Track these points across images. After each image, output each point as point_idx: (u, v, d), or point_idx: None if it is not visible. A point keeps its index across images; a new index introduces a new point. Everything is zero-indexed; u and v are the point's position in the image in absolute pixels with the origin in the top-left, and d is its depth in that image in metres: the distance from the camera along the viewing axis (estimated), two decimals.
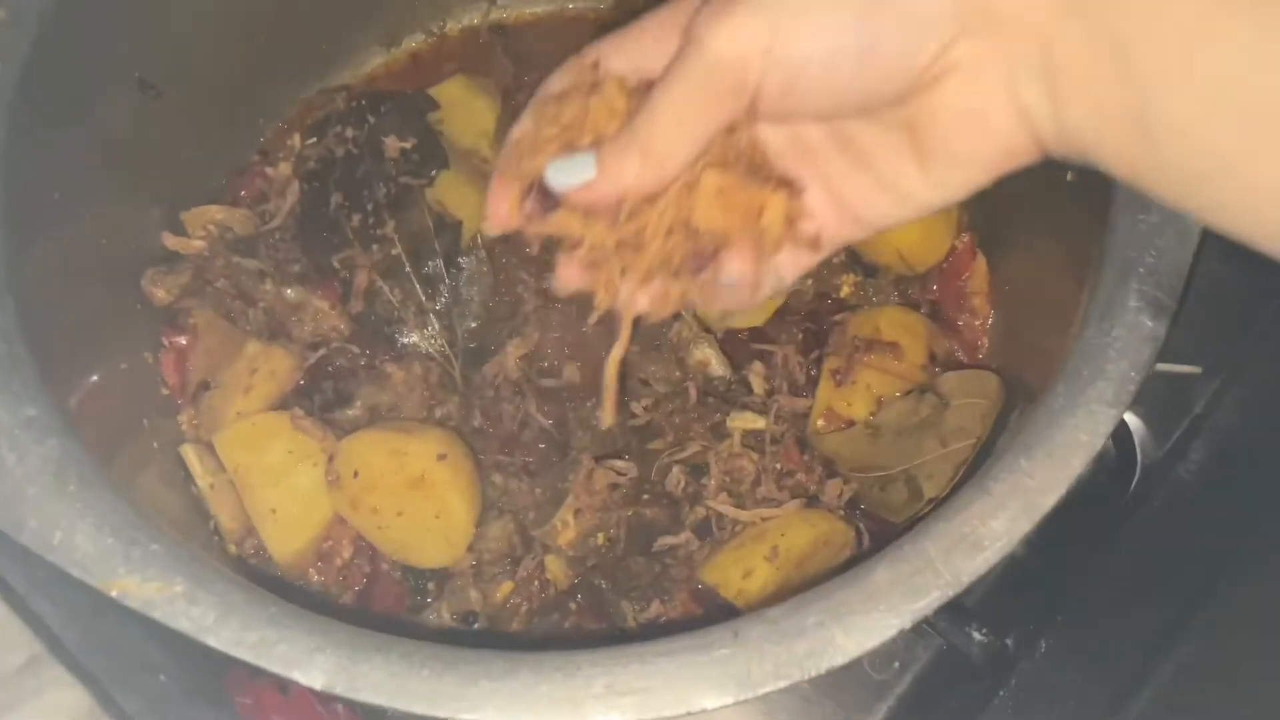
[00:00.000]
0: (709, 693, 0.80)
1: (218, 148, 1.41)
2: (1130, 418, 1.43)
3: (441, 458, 1.18)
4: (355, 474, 1.19)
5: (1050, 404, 0.91)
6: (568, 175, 0.74)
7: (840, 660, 0.81)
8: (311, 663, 0.82)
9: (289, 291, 1.31)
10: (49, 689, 1.21)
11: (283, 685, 1.22)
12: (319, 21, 1.47)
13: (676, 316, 1.32)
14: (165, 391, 1.30)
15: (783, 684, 0.81)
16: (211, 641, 0.82)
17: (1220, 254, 1.38)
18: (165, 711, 1.19)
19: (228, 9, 1.34)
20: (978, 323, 1.37)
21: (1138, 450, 1.44)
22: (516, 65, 1.56)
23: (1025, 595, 1.37)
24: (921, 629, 1.13)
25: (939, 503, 1.20)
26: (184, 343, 1.32)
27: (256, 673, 0.82)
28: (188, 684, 1.23)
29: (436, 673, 0.81)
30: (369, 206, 1.31)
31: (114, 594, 0.83)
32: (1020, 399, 1.19)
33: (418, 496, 1.18)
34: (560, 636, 1.21)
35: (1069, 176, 1.14)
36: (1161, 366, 1.33)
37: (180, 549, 0.86)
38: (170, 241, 1.34)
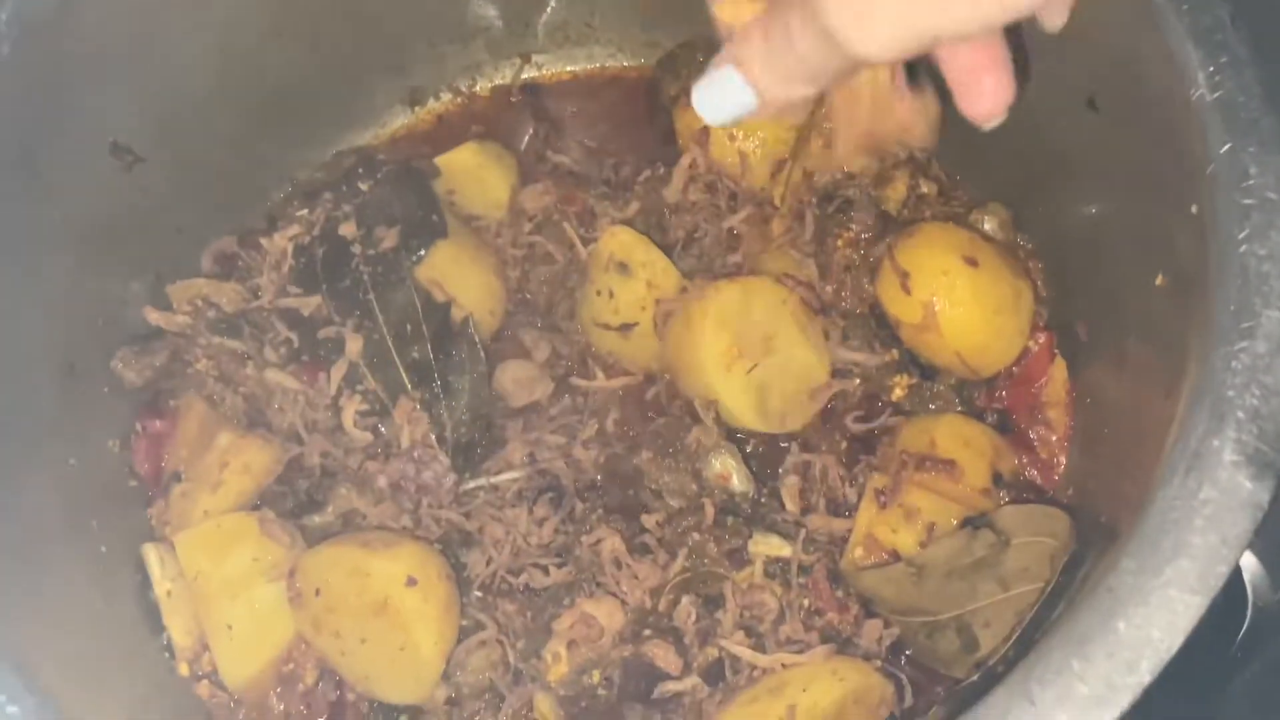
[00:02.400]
0: None
1: (213, 214, 1.30)
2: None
3: (410, 582, 1.03)
4: (316, 592, 1.05)
5: (1117, 585, 0.71)
6: None
7: None
8: None
9: (270, 374, 1.19)
10: None
11: None
12: (335, 80, 1.37)
13: (696, 420, 1.15)
14: (133, 483, 1.19)
15: None
16: None
17: None
18: None
19: (229, 64, 1.23)
20: (1055, 437, 1.17)
21: (1249, 592, 1.22)
22: (551, 129, 1.42)
23: None
24: None
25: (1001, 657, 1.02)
26: (159, 426, 1.21)
27: None
28: None
29: None
30: (354, 285, 1.18)
31: None
32: (1099, 540, 0.99)
33: (381, 624, 1.03)
34: None
35: (1158, 280, 0.95)
36: None
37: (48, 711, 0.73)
38: (154, 316, 1.23)
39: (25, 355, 1.05)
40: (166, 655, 1.11)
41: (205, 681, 1.11)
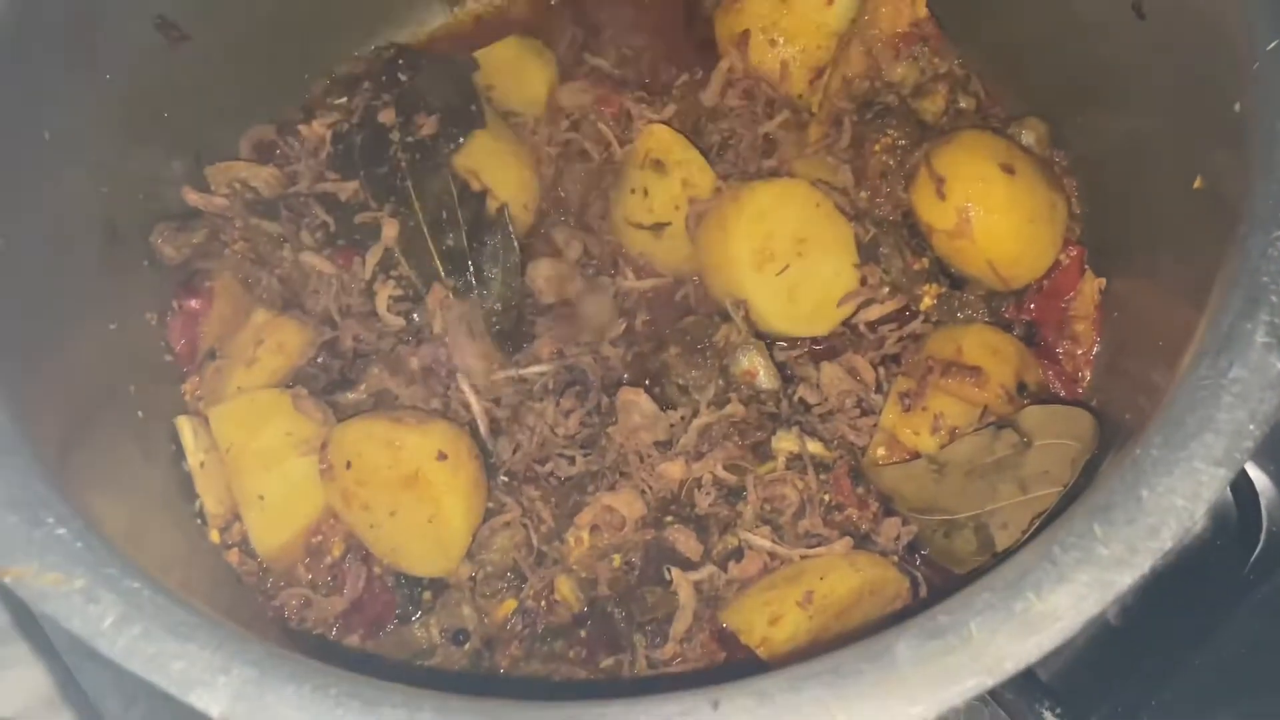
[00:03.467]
0: None
1: (254, 100, 1.31)
2: (1258, 475, 1.22)
3: (441, 456, 1.05)
4: (348, 465, 1.07)
5: (1141, 457, 0.73)
6: None
7: None
8: (213, 685, 0.69)
9: (306, 257, 1.20)
10: (12, 666, 1.13)
11: None
12: None
13: (725, 320, 1.17)
14: (168, 358, 1.20)
15: None
16: (104, 648, 0.71)
17: None
18: (128, 696, 1.09)
19: None
20: (1080, 351, 1.18)
21: (1264, 515, 1.23)
22: (589, 33, 1.42)
23: (1114, 674, 1.18)
24: (984, 697, 0.96)
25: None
26: (196, 306, 1.22)
27: None
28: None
29: (352, 713, 0.68)
30: (391, 171, 1.19)
31: (7, 580, 0.73)
32: (1121, 442, 1.00)
33: (411, 496, 1.05)
34: (508, 681, 1.07)
35: (1196, 183, 0.95)
36: None
37: (89, 535, 0.75)
38: (191, 197, 1.24)
39: (71, 217, 1.06)
40: (199, 522, 1.13)
41: (235, 549, 1.13)
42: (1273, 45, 0.84)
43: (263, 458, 1.12)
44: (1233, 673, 1.16)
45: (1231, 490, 1.23)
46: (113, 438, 1.05)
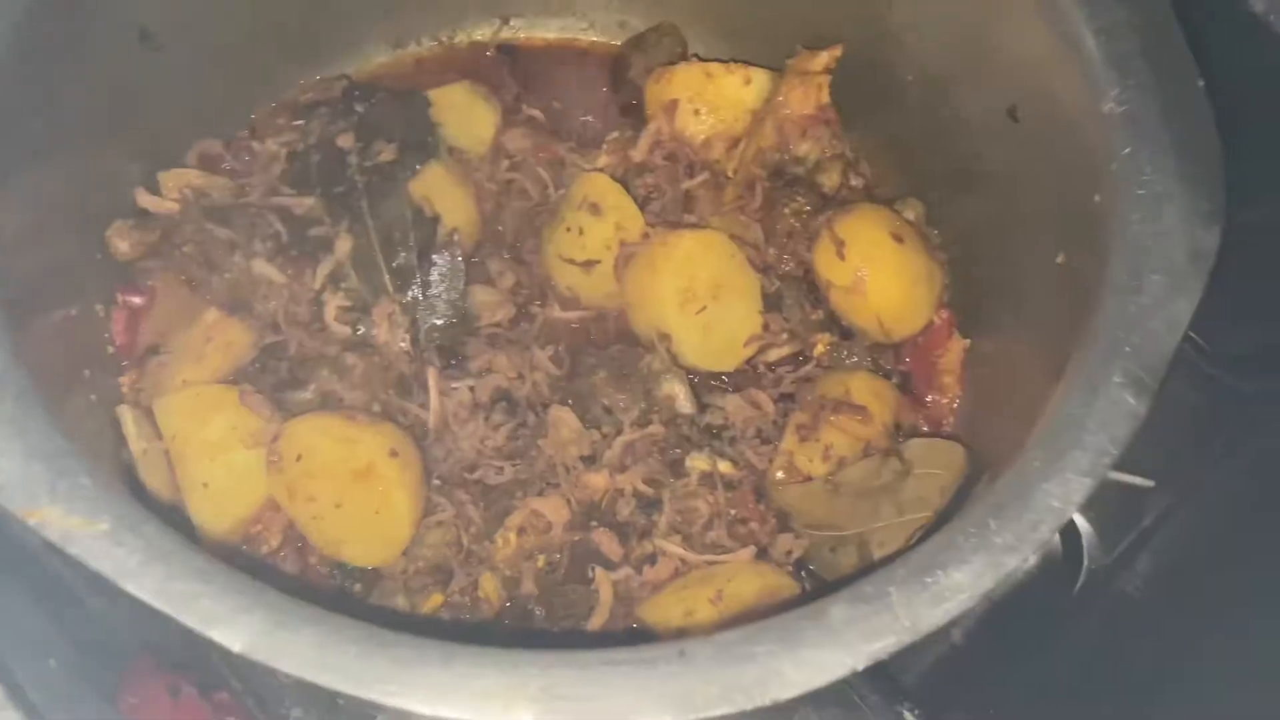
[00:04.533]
0: (647, 709, 0.77)
1: (208, 113, 1.38)
2: (1080, 521, 1.43)
3: (393, 454, 1.14)
4: (298, 457, 1.14)
5: (1025, 468, 0.90)
6: None
7: (788, 693, 0.78)
8: (235, 622, 0.77)
9: (257, 265, 1.27)
10: None
11: (173, 688, 1.16)
12: (330, 7, 1.46)
13: (650, 348, 1.30)
14: (111, 350, 1.25)
15: (725, 710, 0.77)
16: (131, 587, 0.77)
17: (1187, 374, 1.44)
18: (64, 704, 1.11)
19: None
20: (945, 400, 1.37)
21: (1085, 554, 1.43)
22: (522, 86, 1.55)
23: (962, 683, 1.35)
24: (851, 701, 1.10)
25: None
26: (139, 303, 1.27)
27: (151, 672, 0.77)
28: (79, 672, 1.15)
29: (367, 651, 0.77)
30: (348, 191, 1.29)
31: (32, 522, 0.78)
32: (983, 474, 1.18)
33: (362, 489, 1.13)
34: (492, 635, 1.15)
35: (1059, 258, 1.15)
36: (1116, 476, 1.35)
37: (111, 486, 0.81)
38: (144, 199, 1.30)
39: (50, 203, 1.11)
40: None
41: None
42: (1127, 150, 1.04)
43: (208, 448, 1.17)
44: (1058, 685, 1.35)
45: (1059, 533, 1.44)
46: (74, 417, 1.09)
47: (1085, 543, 1.44)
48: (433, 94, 1.41)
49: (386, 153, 1.31)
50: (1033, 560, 1.40)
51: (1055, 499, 0.87)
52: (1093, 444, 0.90)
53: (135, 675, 1.17)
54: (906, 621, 0.82)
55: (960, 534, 0.86)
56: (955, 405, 1.37)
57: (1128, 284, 0.98)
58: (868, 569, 1.19)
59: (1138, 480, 1.40)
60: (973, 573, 0.84)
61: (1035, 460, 0.90)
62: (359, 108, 1.36)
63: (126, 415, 1.20)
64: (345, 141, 1.32)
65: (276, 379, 1.23)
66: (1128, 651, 1.35)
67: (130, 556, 0.78)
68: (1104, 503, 1.42)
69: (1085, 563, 1.44)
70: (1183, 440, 1.41)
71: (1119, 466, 0.91)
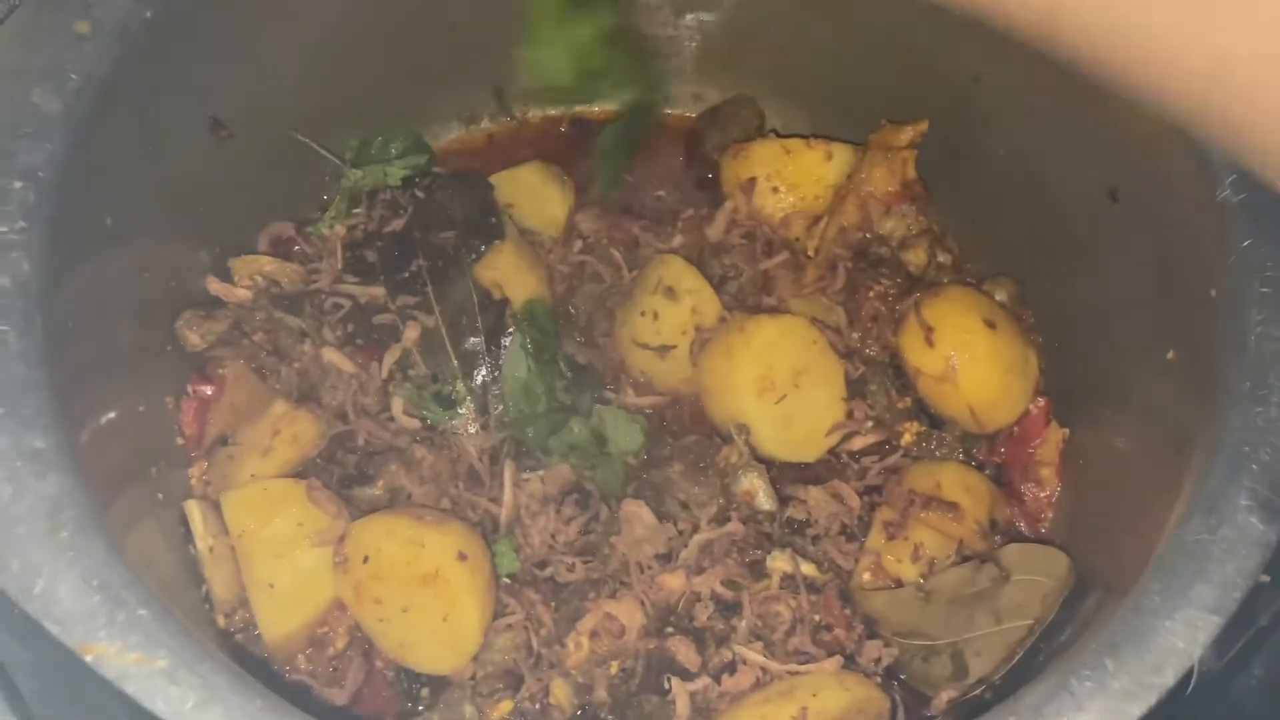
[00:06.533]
0: None
1: (280, 199, 1.37)
2: None
3: (461, 557, 1.10)
4: (365, 559, 1.11)
5: (1143, 602, 0.82)
6: None
7: None
8: None
9: (326, 353, 1.25)
10: None
11: None
12: (397, 85, 1.44)
13: (727, 439, 1.24)
14: (180, 441, 1.23)
15: None
16: None
17: None
18: None
19: (301, 62, 1.30)
20: (1044, 494, 1.29)
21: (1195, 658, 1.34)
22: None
23: None
24: None
25: (988, 686, 1.11)
26: (209, 393, 1.25)
27: None
28: None
29: None
30: (412, 277, 1.26)
31: (89, 659, 0.75)
32: (1091, 586, 1.10)
33: (428, 594, 1.09)
34: None
35: (1170, 355, 1.07)
36: None
37: (169, 619, 0.78)
38: (215, 287, 1.28)
39: (112, 299, 1.09)
40: (206, 606, 1.14)
41: (239, 637, 1.14)
42: (1247, 243, 0.96)
43: (274, 546, 1.14)
44: None
45: None
46: (136, 516, 1.07)
47: None
48: (504, 175, 1.39)
49: (448, 236, 1.27)
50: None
51: (1180, 639, 0.80)
52: (1218, 576, 0.82)
53: None
54: None
55: (1074, 677, 0.79)
56: (1054, 500, 1.29)
57: (1251, 393, 0.90)
58: (963, 682, 1.14)
59: None
60: None
61: (1155, 594, 0.82)
62: (419, 193, 1.33)
63: (194, 510, 1.17)
64: (407, 226, 1.29)
65: (344, 473, 1.20)
66: None
67: (187, 697, 0.74)
68: None
69: (1196, 666, 1.34)
70: None
71: None
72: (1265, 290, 0.94)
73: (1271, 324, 0.93)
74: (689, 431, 1.31)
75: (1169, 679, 0.78)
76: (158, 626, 0.77)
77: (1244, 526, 0.84)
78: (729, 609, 1.17)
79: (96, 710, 1.08)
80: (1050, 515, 1.28)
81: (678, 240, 1.39)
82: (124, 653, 0.75)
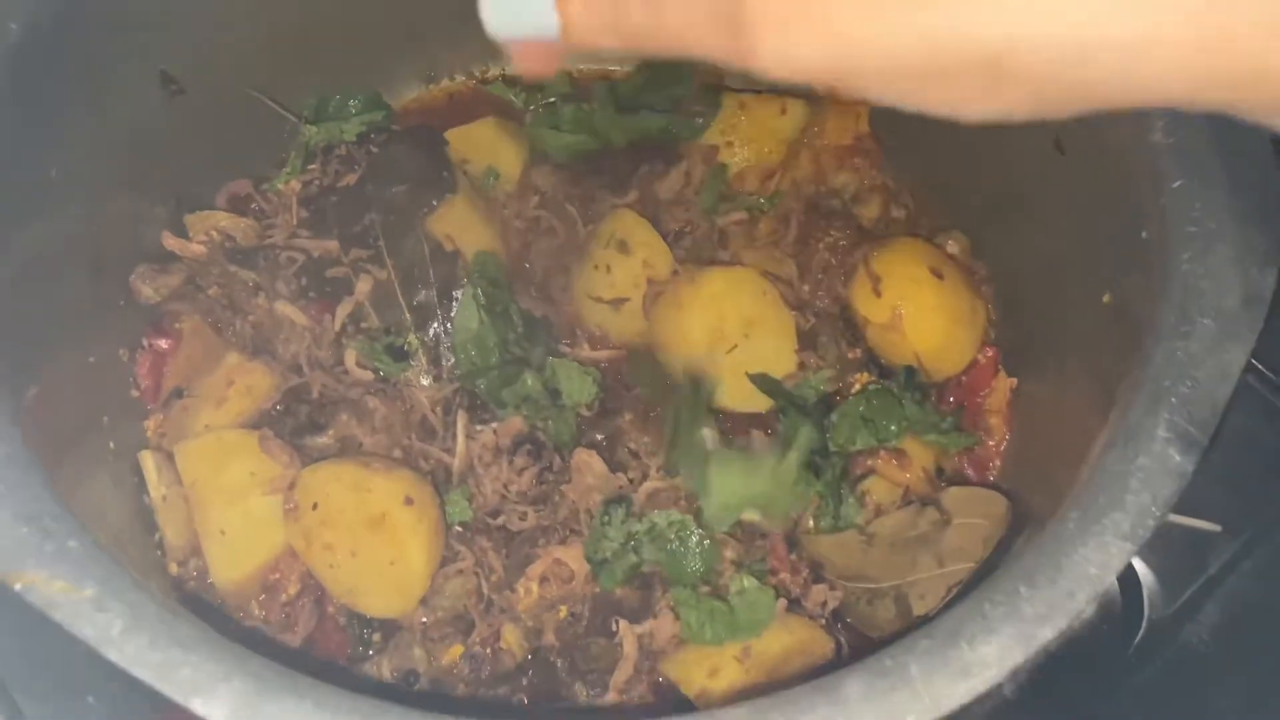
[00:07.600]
0: None
1: (236, 154, 1.37)
2: (1141, 568, 1.35)
3: (408, 501, 1.11)
4: (314, 506, 1.12)
5: (1059, 530, 0.83)
6: None
7: None
8: (215, 691, 0.74)
9: (279, 306, 1.26)
10: None
11: None
12: (356, 43, 1.44)
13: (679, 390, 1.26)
14: (134, 394, 1.24)
15: None
16: (113, 655, 0.75)
17: (1260, 410, 1.36)
18: None
19: (257, 18, 1.31)
20: (991, 443, 1.30)
21: (1145, 603, 1.36)
22: None
23: None
24: None
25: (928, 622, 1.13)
26: (165, 346, 1.27)
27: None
28: (118, 709, 1.14)
29: None
30: (365, 231, 1.27)
31: (17, 587, 0.76)
32: (1027, 525, 1.11)
33: (375, 538, 1.11)
34: (503, 708, 1.12)
35: (1105, 298, 1.08)
36: (1181, 520, 1.28)
37: (98, 551, 0.79)
38: (170, 242, 1.29)
39: (62, 251, 1.10)
40: (159, 554, 1.16)
41: (191, 584, 1.16)
42: (1177, 184, 0.97)
43: (226, 494, 1.16)
44: None
45: (1117, 580, 1.36)
46: (87, 466, 1.08)
47: (1146, 592, 1.36)
48: (458, 130, 1.39)
49: (401, 191, 1.28)
50: (1091, 611, 1.35)
51: (1092, 565, 0.81)
52: (1134, 505, 0.83)
53: (175, 713, 1.15)
54: (927, 699, 0.76)
55: (988, 602, 0.80)
56: (1002, 449, 1.30)
57: (1175, 328, 0.91)
58: (907, 623, 1.16)
59: (1203, 525, 1.32)
60: (1000, 646, 0.78)
61: (1070, 522, 0.83)
62: (373, 148, 1.34)
63: (148, 460, 1.19)
64: (360, 181, 1.30)
65: (297, 423, 1.21)
66: (1191, 708, 1.28)
67: (113, 623, 0.76)
68: (1167, 549, 1.35)
69: (1146, 613, 1.36)
70: (1253, 481, 1.33)
71: (1183, 510, 0.85)
72: (1192, 229, 0.95)
73: (1196, 262, 0.93)
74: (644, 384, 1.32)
75: (1080, 603, 0.79)
76: (86, 558, 0.79)
77: (1161, 456, 0.85)
78: None
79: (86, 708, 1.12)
80: (998, 464, 1.29)
81: (632, 196, 1.39)
82: (50, 581, 0.76)
